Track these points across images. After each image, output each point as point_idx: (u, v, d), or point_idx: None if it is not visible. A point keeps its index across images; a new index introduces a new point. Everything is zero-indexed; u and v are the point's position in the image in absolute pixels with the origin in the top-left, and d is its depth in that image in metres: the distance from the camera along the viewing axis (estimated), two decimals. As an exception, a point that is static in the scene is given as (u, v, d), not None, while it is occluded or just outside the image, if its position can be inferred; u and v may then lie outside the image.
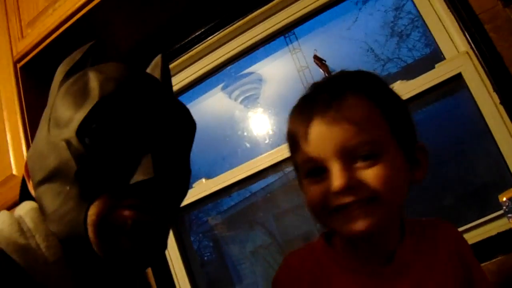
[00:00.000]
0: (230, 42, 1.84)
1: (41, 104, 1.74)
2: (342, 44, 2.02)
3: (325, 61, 1.61)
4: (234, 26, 1.80)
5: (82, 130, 0.62)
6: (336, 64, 1.77)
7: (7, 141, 1.67)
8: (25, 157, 1.59)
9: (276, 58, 1.94)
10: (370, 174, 0.72)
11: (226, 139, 1.99)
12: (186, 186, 0.73)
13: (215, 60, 1.88)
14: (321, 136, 0.74)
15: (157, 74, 0.79)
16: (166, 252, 1.81)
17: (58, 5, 1.66)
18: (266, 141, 1.93)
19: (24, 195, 0.76)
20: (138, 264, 0.63)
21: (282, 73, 2.01)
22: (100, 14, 1.63)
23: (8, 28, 1.80)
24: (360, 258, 0.80)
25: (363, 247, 0.80)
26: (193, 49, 1.87)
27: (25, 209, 0.69)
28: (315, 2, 1.69)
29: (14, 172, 1.64)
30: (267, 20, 1.78)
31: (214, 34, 1.82)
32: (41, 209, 0.66)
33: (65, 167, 0.62)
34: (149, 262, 0.64)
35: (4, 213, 0.68)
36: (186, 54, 1.88)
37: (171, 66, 1.92)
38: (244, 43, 1.82)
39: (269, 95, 1.95)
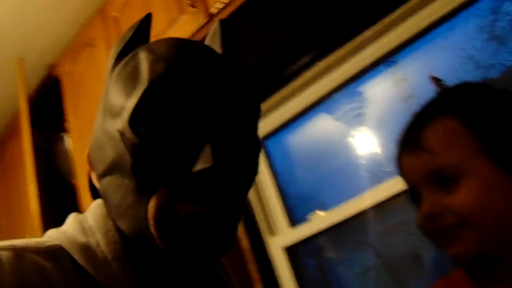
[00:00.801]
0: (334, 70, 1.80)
1: None
2: (441, 54, 1.93)
3: (442, 80, 1.54)
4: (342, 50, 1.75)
5: (135, 119, 0.58)
6: (437, 74, 1.70)
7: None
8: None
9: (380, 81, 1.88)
10: (455, 199, 0.71)
11: (331, 161, 1.93)
12: (255, 168, 0.66)
13: (318, 90, 1.84)
14: (409, 164, 0.79)
15: (216, 44, 0.71)
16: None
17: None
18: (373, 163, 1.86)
19: (94, 189, 0.72)
20: (201, 258, 0.58)
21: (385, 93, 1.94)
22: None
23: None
24: None
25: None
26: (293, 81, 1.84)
27: (91, 207, 0.67)
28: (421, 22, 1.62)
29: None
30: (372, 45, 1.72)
31: (319, 60, 1.78)
32: (106, 204, 0.64)
33: (121, 160, 0.59)
34: (215, 256, 0.58)
35: (72, 215, 0.67)
36: (289, 84, 1.85)
37: (279, 95, 1.90)
38: (350, 68, 1.77)
39: (374, 114, 1.88)
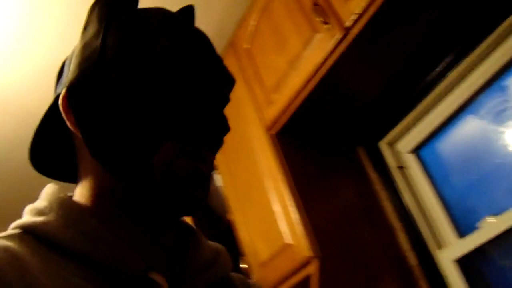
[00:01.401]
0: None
1: (304, 168, 1.79)
2: None
3: None
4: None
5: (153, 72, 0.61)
6: None
7: (273, 210, 1.67)
8: (298, 225, 1.57)
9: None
10: None
11: (486, 162, 1.77)
12: (221, 141, 0.68)
13: (462, 92, 1.72)
14: None
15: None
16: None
17: (298, 64, 1.63)
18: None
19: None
20: (192, 208, 0.62)
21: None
22: (342, 67, 1.56)
23: (252, 97, 1.82)
24: None
25: None
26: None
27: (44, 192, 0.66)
28: None
29: (287, 241, 1.62)
30: None
31: (461, 61, 1.66)
32: (90, 146, 0.63)
33: (128, 110, 0.61)
34: (199, 208, 0.62)
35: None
36: (433, 90, 1.75)
37: (424, 103, 1.80)
38: (493, 64, 1.62)
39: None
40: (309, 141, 1.81)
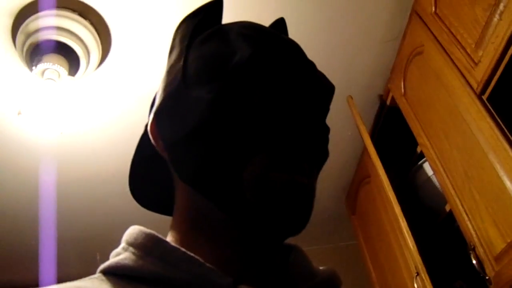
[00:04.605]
0: None
1: None
2: None
3: None
4: None
5: (236, 85, 0.58)
6: None
7: (505, 187, 1.35)
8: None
9: None
10: None
11: None
12: (326, 152, 0.63)
13: None
14: None
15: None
16: None
17: (502, 7, 1.33)
18: None
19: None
20: (289, 229, 0.55)
21: None
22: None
23: (455, 63, 1.55)
24: None
25: None
26: None
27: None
28: None
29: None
30: None
31: None
32: (178, 170, 0.62)
33: (211, 125, 0.57)
34: (299, 229, 0.56)
35: None
36: None
37: None
38: None
39: None
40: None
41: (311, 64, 0.64)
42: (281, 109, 0.57)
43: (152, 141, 0.65)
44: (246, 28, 0.63)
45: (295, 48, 0.64)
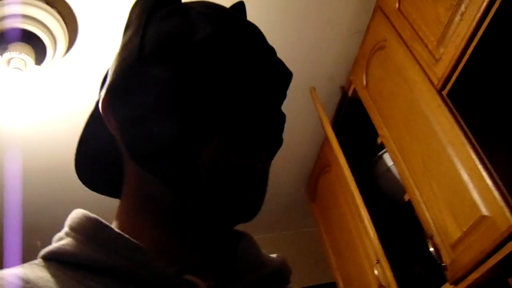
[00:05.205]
0: None
1: (484, 130, 1.53)
2: None
3: None
4: None
5: (195, 65, 0.57)
6: None
7: (461, 180, 1.42)
8: (493, 192, 1.31)
9: None
10: None
11: None
12: (280, 139, 0.63)
13: None
14: None
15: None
16: None
17: (464, 8, 1.38)
18: None
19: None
20: (246, 212, 0.55)
21: None
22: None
23: (416, 59, 1.61)
24: None
25: None
26: None
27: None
28: None
29: (484, 212, 1.36)
30: None
31: None
32: (129, 150, 0.59)
33: (169, 105, 0.56)
34: (254, 213, 0.56)
35: None
36: None
37: None
38: None
39: None
40: (486, 97, 1.54)
41: (271, 49, 0.63)
42: (240, 91, 0.56)
43: (104, 118, 0.62)
44: (208, 8, 0.62)
45: (256, 32, 0.63)
